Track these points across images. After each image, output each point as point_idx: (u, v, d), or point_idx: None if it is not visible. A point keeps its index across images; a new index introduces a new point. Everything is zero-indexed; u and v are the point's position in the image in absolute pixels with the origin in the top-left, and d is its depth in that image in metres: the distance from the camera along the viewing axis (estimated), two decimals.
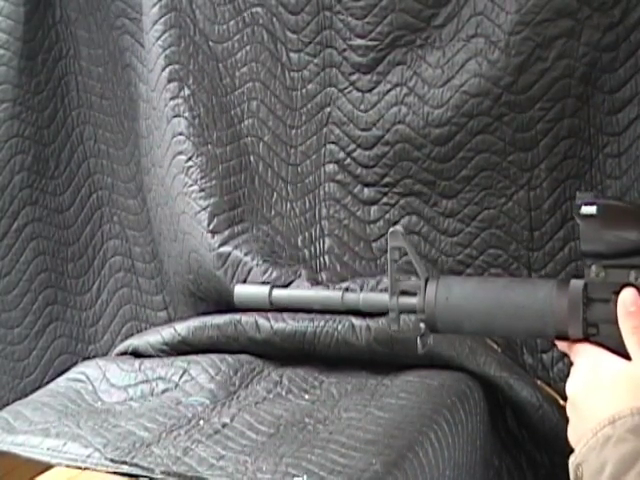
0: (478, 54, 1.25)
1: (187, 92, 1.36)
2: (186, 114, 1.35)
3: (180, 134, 1.35)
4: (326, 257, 1.38)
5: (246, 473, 0.98)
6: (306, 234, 1.39)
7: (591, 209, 0.82)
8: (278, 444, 1.05)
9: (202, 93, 1.38)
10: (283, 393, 1.20)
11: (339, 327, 1.21)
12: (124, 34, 1.50)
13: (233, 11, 1.40)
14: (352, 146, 1.36)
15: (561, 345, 0.86)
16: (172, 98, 1.36)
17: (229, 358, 1.26)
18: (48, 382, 1.36)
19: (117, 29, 1.51)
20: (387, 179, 1.34)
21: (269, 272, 1.29)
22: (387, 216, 1.35)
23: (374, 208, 1.36)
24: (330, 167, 1.38)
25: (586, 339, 0.83)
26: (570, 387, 0.83)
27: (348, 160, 1.36)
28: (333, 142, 1.37)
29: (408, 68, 1.31)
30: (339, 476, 0.97)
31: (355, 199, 1.37)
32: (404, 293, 0.92)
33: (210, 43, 1.40)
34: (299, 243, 1.39)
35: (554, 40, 1.21)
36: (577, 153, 1.27)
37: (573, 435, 0.81)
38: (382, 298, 0.93)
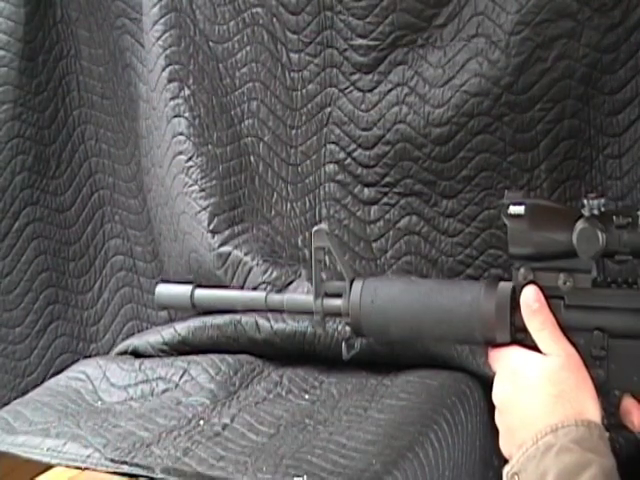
0: (479, 54, 1.24)
1: (187, 92, 1.36)
2: (186, 114, 1.35)
3: (180, 134, 1.35)
4: (326, 257, 1.38)
5: (246, 474, 0.99)
6: (306, 234, 1.39)
7: (519, 209, 0.80)
8: (278, 445, 1.05)
9: (202, 93, 1.37)
10: (283, 393, 1.20)
11: (339, 327, 1.21)
12: (124, 34, 1.50)
13: (233, 11, 1.39)
14: (352, 146, 1.35)
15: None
16: (172, 98, 1.36)
17: (229, 358, 1.26)
18: None
19: (117, 29, 1.51)
20: (387, 179, 1.34)
21: (269, 272, 1.28)
22: (387, 216, 1.35)
23: (374, 208, 1.35)
24: (330, 167, 1.38)
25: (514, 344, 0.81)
26: (495, 395, 0.81)
27: (348, 160, 1.36)
28: (333, 142, 1.37)
29: (409, 68, 1.30)
30: (339, 477, 0.98)
31: (355, 199, 1.36)
32: (329, 295, 0.90)
33: (210, 43, 1.40)
34: (299, 243, 1.39)
35: (554, 40, 1.20)
36: (577, 154, 1.26)
37: (505, 445, 0.79)
38: (307, 300, 0.91)
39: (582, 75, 1.22)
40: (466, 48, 1.26)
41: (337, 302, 0.89)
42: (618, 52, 1.20)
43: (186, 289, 0.97)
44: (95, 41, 1.55)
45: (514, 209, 0.80)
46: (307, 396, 1.19)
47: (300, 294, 0.93)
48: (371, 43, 1.32)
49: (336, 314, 0.90)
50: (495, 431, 1.21)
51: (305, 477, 0.97)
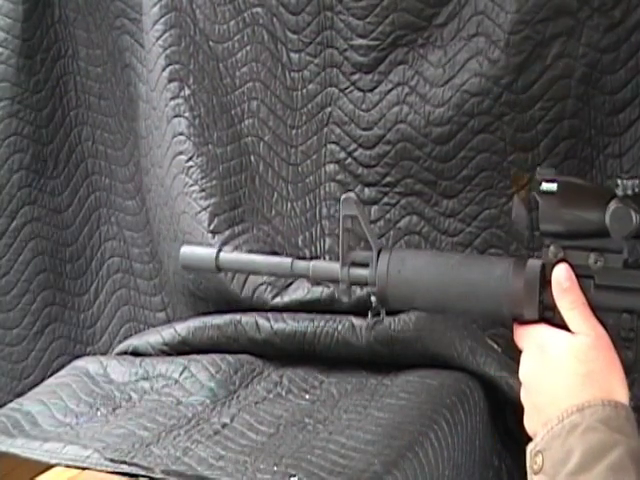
0: (479, 53, 1.24)
1: (187, 92, 1.36)
2: (186, 114, 1.35)
3: (180, 134, 1.35)
4: (326, 257, 1.38)
5: (246, 473, 0.98)
6: (306, 234, 1.39)
7: (552, 186, 0.79)
8: (278, 444, 1.05)
9: (202, 93, 1.37)
10: (283, 393, 1.20)
11: (339, 327, 1.21)
12: (123, 34, 1.49)
13: (233, 11, 1.39)
14: (353, 146, 1.35)
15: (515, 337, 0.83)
16: (172, 98, 1.36)
17: (229, 357, 1.26)
18: None
19: (116, 29, 1.50)
20: (388, 179, 1.34)
21: None
22: (388, 216, 1.34)
23: (375, 208, 1.35)
24: (330, 167, 1.37)
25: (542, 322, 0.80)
26: (522, 372, 0.79)
27: (349, 160, 1.36)
28: (334, 142, 1.37)
29: (409, 67, 1.30)
30: (339, 476, 0.97)
31: None
32: (356, 264, 0.90)
33: (210, 43, 1.40)
34: (299, 243, 1.39)
35: (554, 39, 1.20)
36: (577, 154, 1.26)
37: (530, 423, 0.78)
38: (333, 268, 0.89)
39: (582, 75, 1.22)
40: (466, 47, 1.26)
41: (363, 272, 0.88)
42: (618, 52, 1.20)
43: (211, 251, 0.96)
44: (93, 42, 1.55)
45: (546, 186, 0.79)
46: (307, 396, 1.19)
47: (326, 262, 0.91)
48: (371, 43, 1.31)
49: (362, 283, 0.89)
50: (495, 431, 1.22)
51: (299, 476, 0.97)
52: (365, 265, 0.88)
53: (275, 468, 0.99)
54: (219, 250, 0.94)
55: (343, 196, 0.86)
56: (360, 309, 1.12)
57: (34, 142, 1.53)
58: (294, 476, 0.97)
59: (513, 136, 1.26)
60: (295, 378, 1.23)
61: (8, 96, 1.50)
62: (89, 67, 1.56)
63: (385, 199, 1.34)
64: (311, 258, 1.12)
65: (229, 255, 0.97)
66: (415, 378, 1.19)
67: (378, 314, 0.89)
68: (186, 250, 0.97)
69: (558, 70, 1.22)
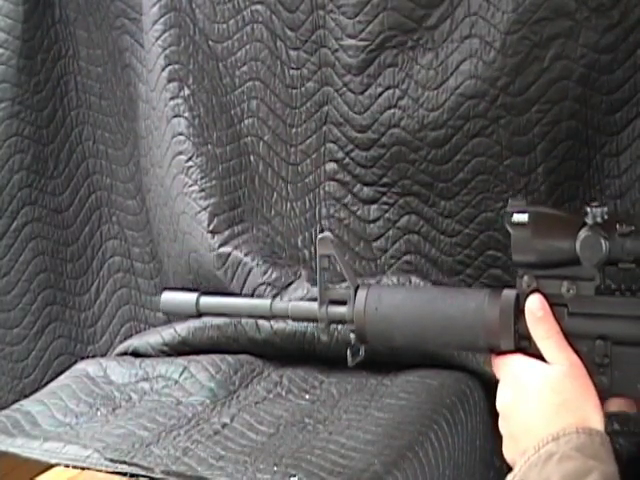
0: (473, 55, 1.22)
1: (187, 92, 1.36)
2: (186, 114, 1.35)
3: (180, 134, 1.35)
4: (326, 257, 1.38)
5: (246, 473, 0.99)
6: (306, 234, 1.38)
7: (522, 217, 0.81)
8: (278, 444, 1.06)
9: (202, 93, 1.37)
10: (283, 393, 1.20)
11: (339, 327, 1.21)
12: (123, 34, 1.49)
13: (233, 10, 1.39)
14: (350, 146, 1.34)
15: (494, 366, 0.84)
16: (172, 98, 1.36)
17: (229, 358, 1.26)
18: (47, 383, 1.36)
19: (116, 29, 1.50)
20: (385, 179, 1.32)
21: (269, 273, 1.28)
22: (387, 215, 1.34)
23: (374, 207, 1.34)
24: (330, 166, 1.36)
25: (518, 352, 0.81)
26: (499, 403, 0.81)
27: (347, 159, 1.35)
28: (332, 141, 1.36)
29: (400, 70, 1.27)
30: (339, 476, 0.98)
31: (355, 198, 1.36)
32: (334, 302, 0.90)
33: (210, 42, 1.40)
34: (299, 243, 1.38)
35: (552, 40, 1.18)
36: (575, 155, 1.24)
37: (508, 451, 0.80)
38: (311, 307, 0.91)
39: (580, 76, 1.20)
40: (459, 49, 1.23)
41: (341, 309, 0.89)
42: (616, 52, 1.18)
43: (191, 297, 0.97)
44: (94, 41, 1.55)
45: (517, 217, 0.81)
46: (307, 396, 1.19)
47: (304, 302, 0.93)
48: (360, 44, 1.28)
49: (340, 321, 0.90)
50: (496, 431, 1.21)
51: (299, 476, 0.97)
52: (343, 303, 0.88)
53: (275, 468, 0.99)
54: (199, 295, 0.95)
55: (319, 236, 0.88)
56: None
57: (35, 142, 1.53)
58: (294, 476, 0.97)
59: (509, 140, 1.23)
60: (295, 378, 1.23)
61: (8, 97, 1.50)
62: (90, 67, 1.56)
63: (384, 198, 1.33)
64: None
65: (209, 299, 0.98)
66: (415, 378, 1.20)
67: (358, 351, 0.90)
68: (167, 296, 0.98)
69: (556, 72, 1.19)
